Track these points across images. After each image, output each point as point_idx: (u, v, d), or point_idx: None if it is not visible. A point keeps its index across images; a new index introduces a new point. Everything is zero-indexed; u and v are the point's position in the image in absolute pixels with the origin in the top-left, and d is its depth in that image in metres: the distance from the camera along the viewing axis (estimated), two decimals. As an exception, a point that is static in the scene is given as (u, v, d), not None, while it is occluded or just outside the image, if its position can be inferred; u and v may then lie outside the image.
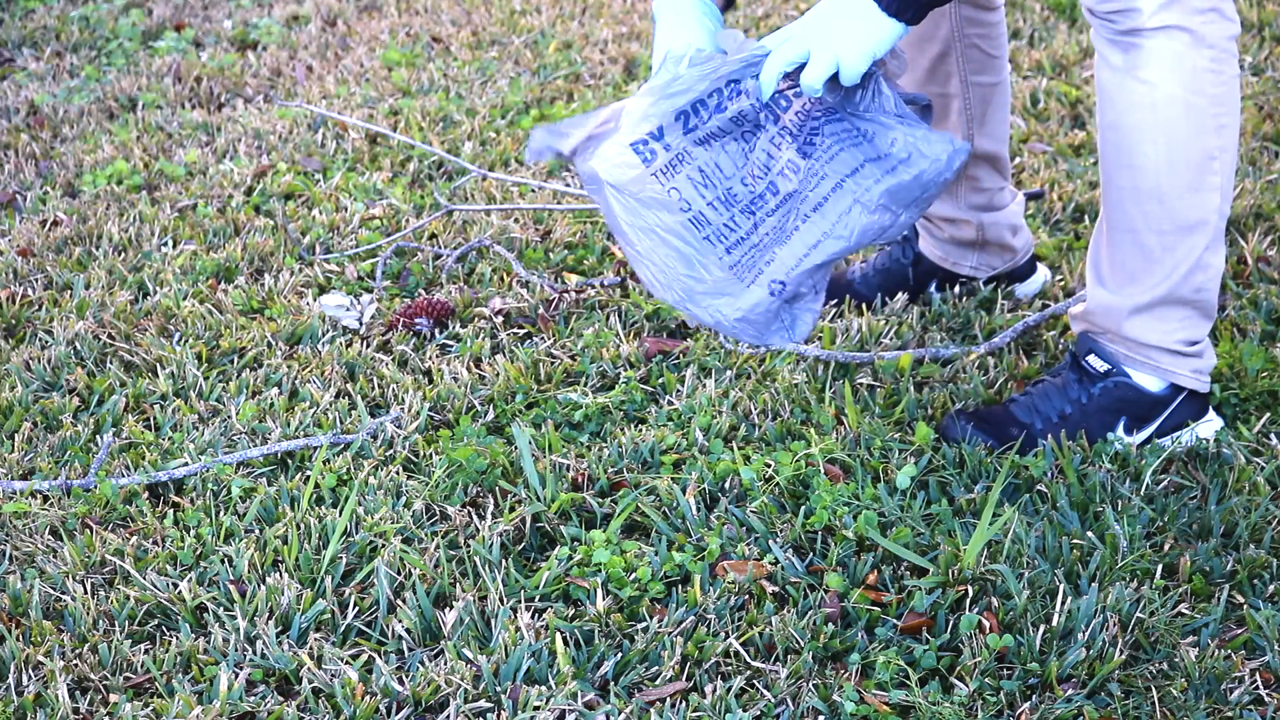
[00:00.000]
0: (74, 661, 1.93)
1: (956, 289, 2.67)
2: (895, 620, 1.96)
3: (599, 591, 1.99)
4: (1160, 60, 2.06)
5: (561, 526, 2.14)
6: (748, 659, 1.91)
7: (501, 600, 2.01)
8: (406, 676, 1.90)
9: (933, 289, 2.67)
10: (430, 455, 2.32)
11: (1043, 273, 2.69)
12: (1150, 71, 2.07)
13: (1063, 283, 2.70)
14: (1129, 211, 2.15)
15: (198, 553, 2.12)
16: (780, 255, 2.03)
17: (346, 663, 1.92)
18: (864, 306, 2.66)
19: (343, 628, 1.98)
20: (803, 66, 1.95)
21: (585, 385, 2.47)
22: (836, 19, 1.94)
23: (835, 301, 2.65)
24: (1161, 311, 2.19)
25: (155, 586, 2.04)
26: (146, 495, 2.25)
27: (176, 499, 2.24)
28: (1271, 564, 2.03)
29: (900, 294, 2.65)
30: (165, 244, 2.98)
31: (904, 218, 2.01)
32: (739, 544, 2.08)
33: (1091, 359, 2.26)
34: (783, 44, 1.96)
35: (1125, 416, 2.26)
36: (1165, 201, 2.12)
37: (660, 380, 2.48)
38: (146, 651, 1.96)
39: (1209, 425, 2.28)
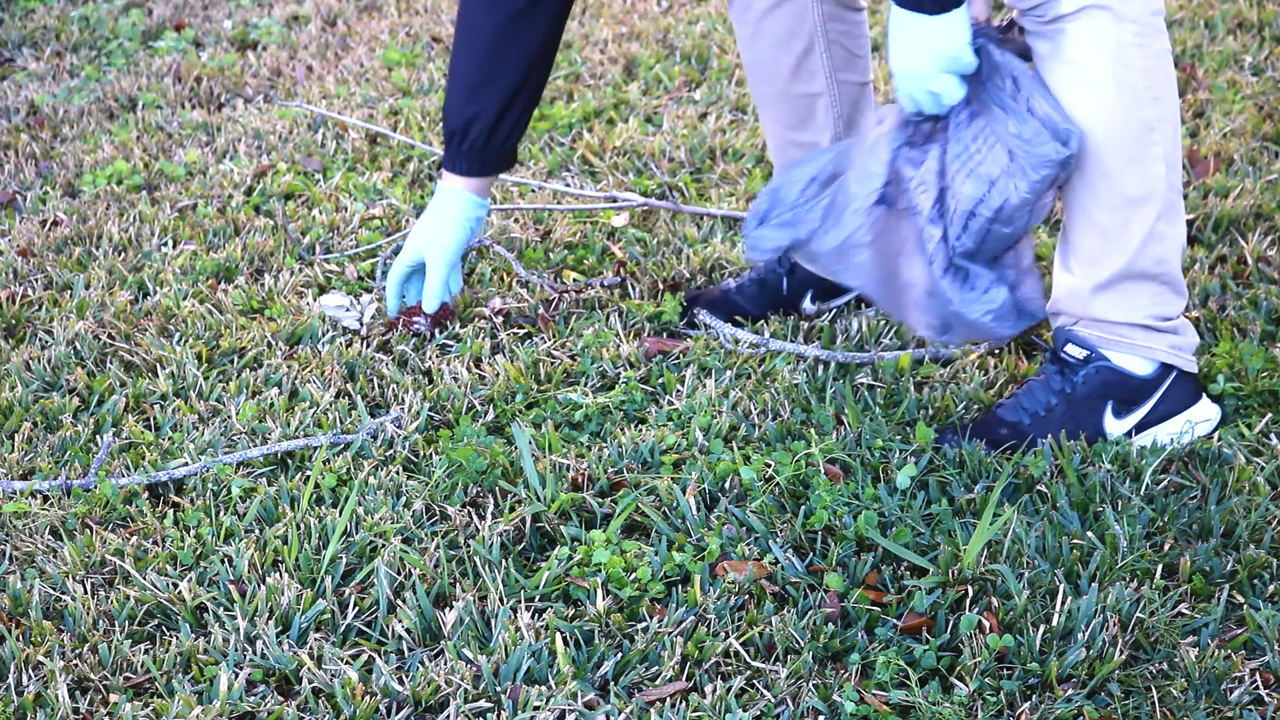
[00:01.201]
0: (74, 661, 1.93)
1: (833, 303, 2.65)
2: (895, 620, 1.96)
3: (599, 591, 1.99)
4: (1083, 41, 2.11)
5: (561, 526, 2.14)
6: (748, 659, 1.91)
7: (501, 600, 2.01)
8: (406, 676, 1.90)
9: (807, 301, 2.65)
10: (430, 455, 2.32)
11: None
12: (1075, 53, 2.12)
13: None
14: (1079, 193, 2.19)
15: (198, 553, 2.12)
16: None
17: (346, 663, 1.92)
18: (797, 313, 2.64)
19: (343, 628, 1.98)
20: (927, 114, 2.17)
21: (585, 385, 2.47)
22: (904, 57, 2.12)
23: (732, 314, 2.63)
24: (1125, 287, 2.21)
25: (155, 586, 2.04)
26: (146, 495, 2.25)
27: (176, 499, 2.24)
28: (1271, 564, 2.03)
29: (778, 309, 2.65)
30: (165, 244, 2.98)
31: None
32: (739, 544, 2.08)
33: (1069, 348, 2.27)
34: (893, 112, 2.20)
35: (1111, 400, 2.26)
36: (1110, 178, 2.16)
37: (660, 380, 2.48)
38: (146, 651, 1.96)
39: (1205, 413, 2.29)
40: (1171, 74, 2.17)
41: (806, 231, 2.27)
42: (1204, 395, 2.30)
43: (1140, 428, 2.28)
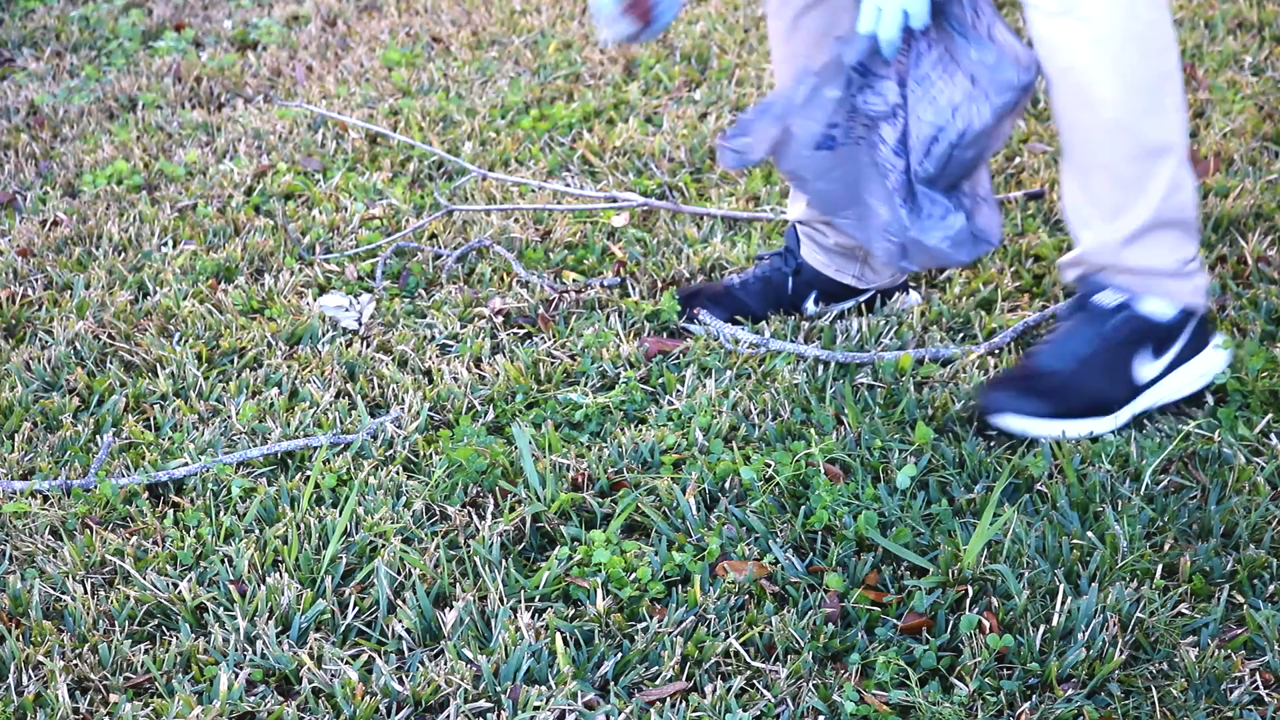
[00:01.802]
0: (74, 661, 1.93)
1: (835, 306, 2.65)
2: (895, 620, 1.96)
3: (599, 591, 1.99)
4: None
5: (561, 526, 2.14)
6: (748, 659, 1.91)
7: (501, 600, 2.01)
8: (406, 676, 1.90)
9: (810, 302, 2.65)
10: (430, 455, 2.32)
11: (915, 295, 2.69)
12: (1090, 9, 2.16)
13: (1063, 282, 2.70)
14: (1098, 147, 2.23)
15: (198, 553, 2.12)
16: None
17: (346, 663, 1.92)
18: (799, 314, 2.64)
19: (343, 628, 1.98)
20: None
21: (585, 385, 2.47)
22: None
23: (734, 311, 2.63)
24: (1154, 236, 2.26)
25: (155, 586, 2.04)
26: (146, 495, 2.25)
27: (176, 499, 2.24)
28: (1271, 564, 2.03)
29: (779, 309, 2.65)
30: (165, 244, 2.98)
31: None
32: (739, 544, 2.08)
33: (1102, 296, 2.30)
34: (864, 17, 2.21)
35: (1142, 347, 2.31)
36: (1130, 130, 2.21)
37: (660, 380, 2.48)
38: (146, 651, 1.96)
39: (1215, 361, 2.35)
40: (1171, 24, 2.24)
41: (755, 158, 2.33)
42: (1214, 333, 2.37)
43: (1164, 372, 2.32)
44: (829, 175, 2.32)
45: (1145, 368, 2.31)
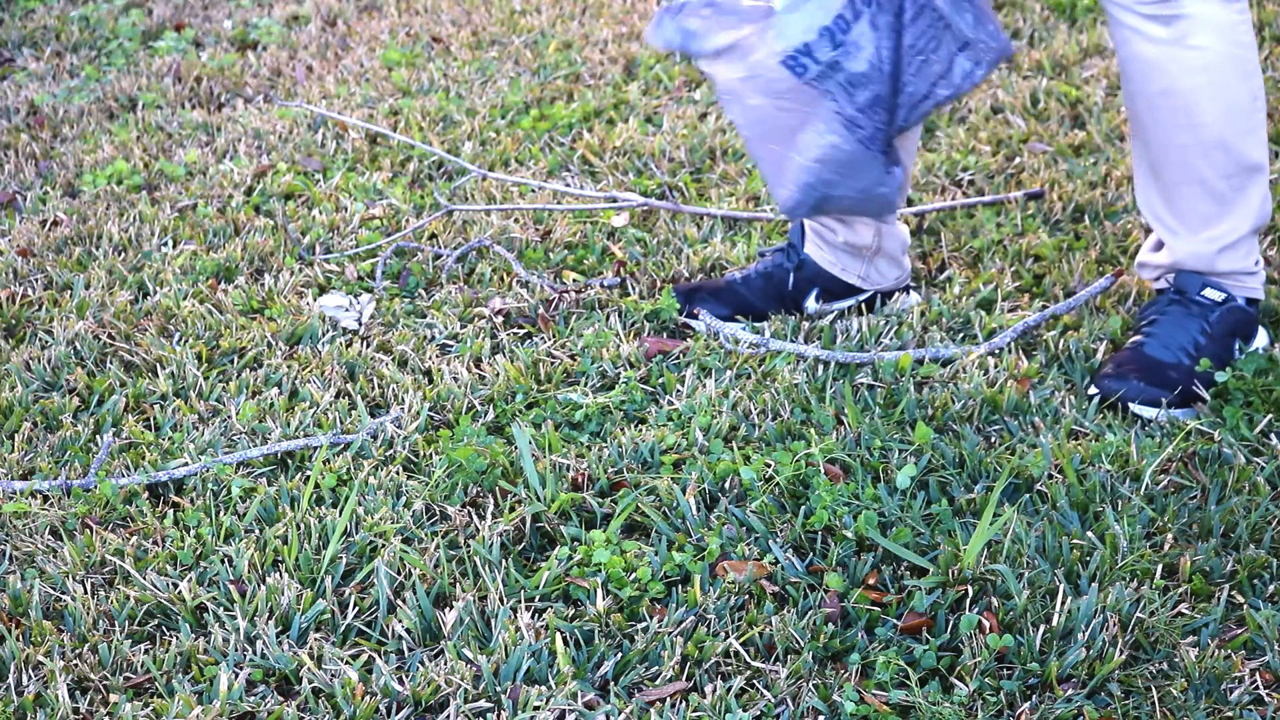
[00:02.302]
0: (74, 661, 1.93)
1: (835, 305, 2.65)
2: (895, 620, 1.96)
3: (599, 591, 1.99)
4: (1207, 25, 2.29)
5: (561, 526, 2.14)
6: (748, 659, 1.91)
7: (501, 600, 2.01)
8: (406, 676, 1.90)
9: (811, 299, 2.65)
10: (430, 455, 2.32)
11: (914, 295, 2.69)
12: (1201, 38, 2.29)
13: (1063, 282, 2.70)
14: (1195, 165, 2.36)
15: (198, 553, 2.12)
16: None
17: (346, 663, 1.92)
18: (799, 312, 2.64)
19: (343, 628, 1.98)
20: None
21: (585, 385, 2.47)
22: None
23: (734, 307, 2.63)
24: (1245, 243, 2.43)
25: (155, 586, 2.04)
26: (146, 495, 2.25)
27: (176, 499, 2.24)
28: (1271, 564, 2.03)
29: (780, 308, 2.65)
30: (165, 244, 2.98)
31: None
32: (739, 544, 2.08)
33: (1208, 291, 2.45)
34: None
35: (1239, 337, 2.46)
36: (1229, 149, 2.35)
37: (660, 380, 2.48)
38: (146, 651, 1.96)
39: (1263, 339, 2.50)
40: (1254, 38, 2.36)
41: (706, 48, 2.28)
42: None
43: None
44: (780, 99, 2.26)
45: (1247, 347, 2.49)
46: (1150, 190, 2.44)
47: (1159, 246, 2.50)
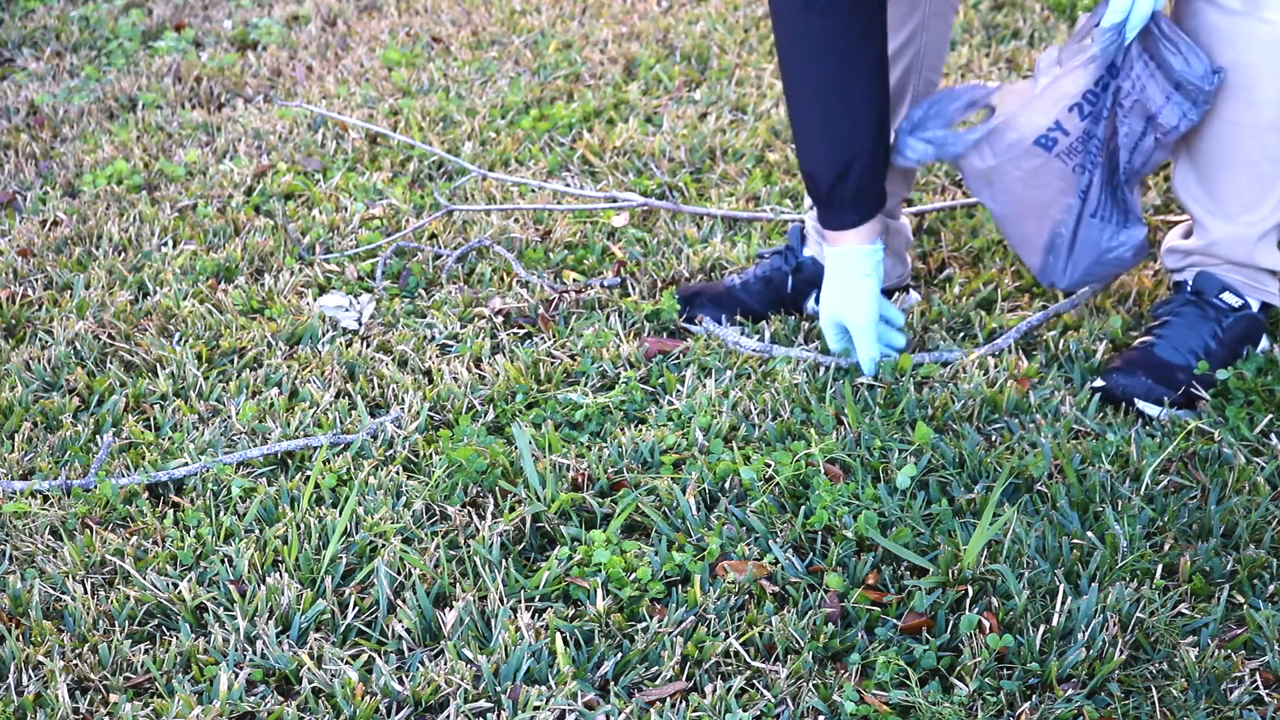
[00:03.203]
0: (74, 661, 1.93)
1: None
2: (895, 620, 1.96)
3: (599, 591, 1.99)
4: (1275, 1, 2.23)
5: (561, 526, 2.14)
6: (748, 659, 1.91)
7: (501, 600, 2.01)
8: (406, 676, 1.90)
9: (811, 300, 2.65)
10: (430, 455, 2.32)
11: (914, 295, 2.69)
12: (1274, 11, 2.22)
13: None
14: (1246, 145, 2.30)
15: (198, 553, 2.12)
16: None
17: (346, 663, 1.92)
18: (799, 313, 2.64)
19: (343, 628, 1.98)
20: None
21: (585, 385, 2.47)
22: None
23: (735, 312, 2.63)
24: (1275, 235, 2.38)
25: (155, 586, 2.04)
26: (146, 495, 2.25)
27: (176, 499, 2.24)
28: (1271, 564, 2.03)
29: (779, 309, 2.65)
30: (165, 244, 2.98)
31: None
32: (739, 544, 2.08)
33: (1226, 295, 2.41)
34: (1115, 6, 2.22)
35: (1248, 345, 2.44)
36: None
37: (660, 380, 2.48)
38: (146, 651, 1.96)
39: (1264, 340, 2.47)
40: None
41: (956, 150, 2.38)
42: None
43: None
44: (1018, 180, 2.37)
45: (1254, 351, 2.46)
46: (1188, 171, 2.39)
47: (1188, 233, 2.47)
